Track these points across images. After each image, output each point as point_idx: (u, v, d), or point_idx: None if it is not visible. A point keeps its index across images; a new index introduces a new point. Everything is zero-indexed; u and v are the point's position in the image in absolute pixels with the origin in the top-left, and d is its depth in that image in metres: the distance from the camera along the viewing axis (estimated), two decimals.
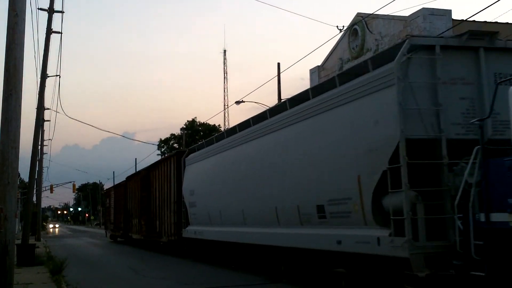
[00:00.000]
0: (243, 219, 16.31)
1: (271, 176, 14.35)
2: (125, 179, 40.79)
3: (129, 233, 35.83)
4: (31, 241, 29.33)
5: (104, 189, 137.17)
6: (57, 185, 72.22)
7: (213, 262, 19.97)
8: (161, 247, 28.26)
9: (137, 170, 40.28)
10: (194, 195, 21.31)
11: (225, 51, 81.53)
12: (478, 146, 8.74)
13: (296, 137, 13.28)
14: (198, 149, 22.26)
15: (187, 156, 23.17)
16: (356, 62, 29.49)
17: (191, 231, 21.64)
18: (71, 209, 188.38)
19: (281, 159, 13.90)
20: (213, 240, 19.40)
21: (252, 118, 16.50)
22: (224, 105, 77.04)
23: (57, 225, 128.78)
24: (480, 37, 10.08)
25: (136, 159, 72.82)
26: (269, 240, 14.65)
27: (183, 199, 22.57)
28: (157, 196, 27.57)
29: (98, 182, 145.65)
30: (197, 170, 21.48)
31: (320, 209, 11.94)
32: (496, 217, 8.14)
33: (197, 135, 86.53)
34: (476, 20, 24.51)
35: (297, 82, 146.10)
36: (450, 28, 26.02)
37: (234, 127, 18.36)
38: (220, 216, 18.35)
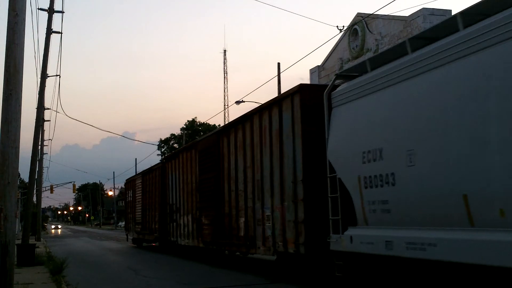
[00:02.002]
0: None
1: None
2: (160, 161, 32.64)
3: (171, 237, 24.90)
4: (31, 241, 29.34)
5: (105, 189, 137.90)
6: (57, 185, 72.33)
7: (213, 262, 19.93)
8: (248, 264, 19.24)
9: (192, 141, 25.83)
10: (378, 161, 9.96)
11: (225, 51, 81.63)
12: None
13: None
14: (361, 74, 11.15)
15: (333, 89, 11.79)
16: (356, 62, 29.45)
17: (367, 238, 10.25)
18: (71, 209, 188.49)
19: None
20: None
21: None
22: (224, 105, 77.07)
23: (59, 226, 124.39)
24: None
25: (136, 159, 72.71)
26: None
27: (329, 175, 11.44)
28: (239, 177, 16.48)
29: (98, 182, 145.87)
30: (377, 113, 10.17)
31: None
32: None
33: (197, 135, 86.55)
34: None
35: (296, 82, 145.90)
36: None
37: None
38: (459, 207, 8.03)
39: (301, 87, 12.82)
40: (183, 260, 22.27)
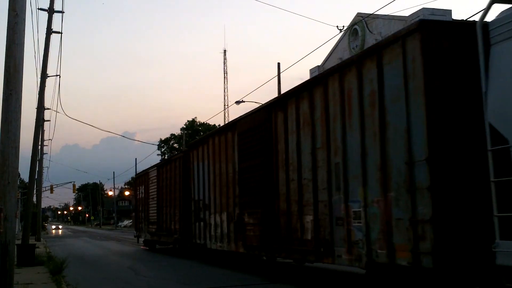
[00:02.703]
0: None
1: None
2: (181, 151, 28.67)
3: (196, 239, 21.04)
4: (31, 241, 29.34)
5: (105, 189, 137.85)
6: (57, 185, 72.36)
7: (213, 262, 19.90)
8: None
9: (227, 123, 19.39)
10: None
11: (225, 51, 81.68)
12: None
13: None
14: None
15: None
16: None
17: None
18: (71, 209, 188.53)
19: None
20: None
21: None
22: (224, 105, 77.06)
23: (60, 226, 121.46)
24: None
25: (136, 159, 72.70)
26: None
27: (492, 148, 7.77)
28: (303, 162, 12.75)
29: (98, 182, 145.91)
30: None
31: None
32: None
33: (197, 135, 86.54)
34: (476, 20, 24.49)
35: (296, 82, 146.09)
36: None
37: None
38: None
39: (422, 24, 8.82)
40: (218, 268, 18.09)
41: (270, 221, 14.10)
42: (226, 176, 17.64)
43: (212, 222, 19.01)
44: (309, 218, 12.28)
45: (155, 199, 28.32)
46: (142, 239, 32.78)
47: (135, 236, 35.33)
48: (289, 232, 13.13)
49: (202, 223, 20.21)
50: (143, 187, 31.98)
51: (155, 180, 28.45)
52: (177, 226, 23.96)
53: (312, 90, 12.32)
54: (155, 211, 28.10)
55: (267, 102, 14.97)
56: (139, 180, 33.95)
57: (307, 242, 12.28)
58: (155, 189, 28.39)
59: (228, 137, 17.53)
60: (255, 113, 15.66)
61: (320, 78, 12.10)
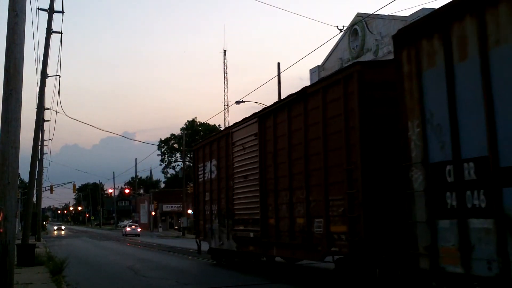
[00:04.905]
0: None
1: None
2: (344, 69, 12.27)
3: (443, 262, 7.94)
4: (31, 241, 29.34)
5: (105, 189, 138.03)
6: (57, 185, 72.34)
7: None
8: None
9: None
10: None
11: (225, 51, 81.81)
12: None
13: None
14: None
15: None
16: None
17: None
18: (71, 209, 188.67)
19: None
20: None
21: None
22: (224, 105, 77.07)
23: (63, 227, 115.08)
24: None
25: (136, 159, 72.73)
26: None
27: None
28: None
29: (98, 182, 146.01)
30: None
31: None
32: None
33: (197, 135, 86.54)
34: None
35: (296, 81, 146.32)
36: None
37: None
38: None
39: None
40: None
41: None
42: None
43: None
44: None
45: (252, 176, 15.73)
46: (211, 246, 19.96)
47: (198, 242, 22.19)
48: None
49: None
50: (209, 163, 19.71)
51: (253, 143, 15.77)
52: (341, 228, 11.34)
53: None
54: (251, 199, 15.72)
55: None
56: (205, 151, 20.49)
57: None
58: (252, 159, 15.76)
59: None
60: None
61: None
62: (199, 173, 21.19)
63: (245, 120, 16.75)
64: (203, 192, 20.70)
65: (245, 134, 16.47)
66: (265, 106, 16.71)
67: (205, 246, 21.26)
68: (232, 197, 17.28)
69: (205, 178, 20.38)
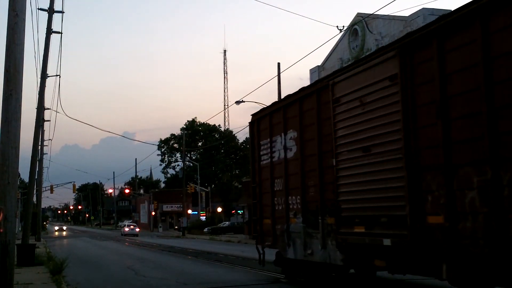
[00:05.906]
0: None
1: None
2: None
3: None
4: (31, 241, 29.34)
5: (105, 189, 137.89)
6: (57, 185, 72.42)
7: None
8: None
9: None
10: None
11: (225, 51, 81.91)
12: None
13: None
14: None
15: None
16: None
17: None
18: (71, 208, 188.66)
19: None
20: None
21: None
22: (224, 105, 77.05)
23: (64, 227, 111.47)
24: None
25: (136, 159, 72.74)
26: None
27: None
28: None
29: (98, 182, 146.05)
30: None
31: None
32: None
33: (197, 135, 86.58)
34: None
35: (296, 81, 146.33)
36: None
37: None
38: None
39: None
40: None
41: None
42: None
43: None
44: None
45: (383, 148, 10.05)
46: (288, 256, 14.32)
47: (260, 250, 15.56)
48: None
49: None
50: (287, 135, 14.02)
51: (385, 93, 10.00)
52: None
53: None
54: (382, 184, 10.05)
55: None
56: (273, 120, 15.04)
57: None
58: (382, 119, 10.07)
59: None
60: None
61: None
62: (263, 153, 15.40)
63: (365, 59, 10.80)
64: (269, 179, 14.81)
65: (365, 82, 10.53)
66: (265, 106, 15.36)
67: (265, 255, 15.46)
68: (336, 183, 11.44)
69: (274, 160, 14.64)
